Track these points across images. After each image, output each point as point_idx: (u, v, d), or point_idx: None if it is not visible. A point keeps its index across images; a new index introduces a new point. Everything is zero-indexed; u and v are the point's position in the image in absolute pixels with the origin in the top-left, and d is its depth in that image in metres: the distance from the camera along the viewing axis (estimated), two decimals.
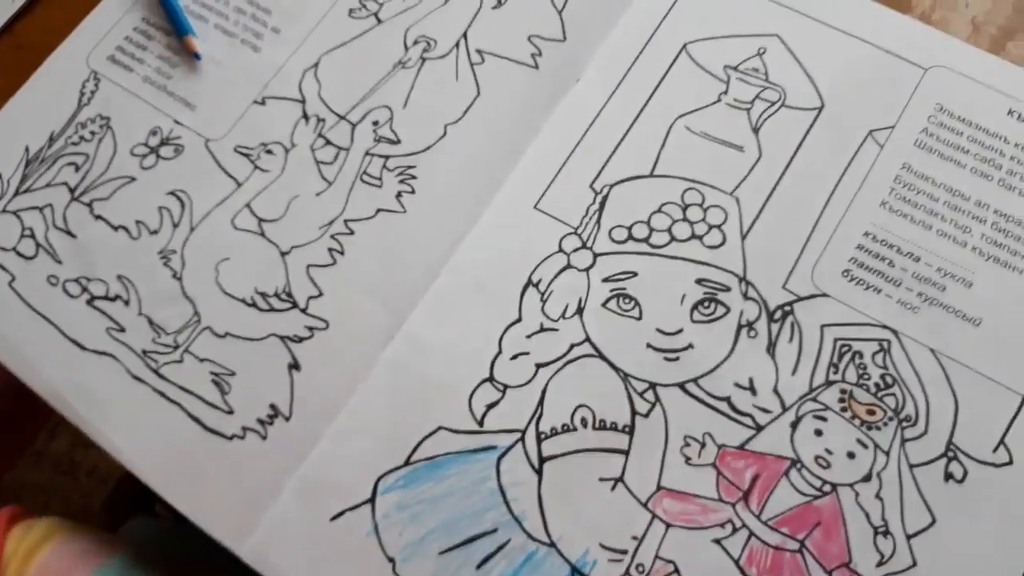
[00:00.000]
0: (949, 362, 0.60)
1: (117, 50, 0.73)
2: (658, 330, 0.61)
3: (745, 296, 0.62)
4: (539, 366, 0.61)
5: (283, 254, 0.65)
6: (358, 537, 0.58)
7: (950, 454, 0.58)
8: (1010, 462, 0.58)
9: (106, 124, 0.70)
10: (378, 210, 0.66)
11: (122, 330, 0.63)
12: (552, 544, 0.57)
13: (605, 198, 0.65)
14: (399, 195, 0.66)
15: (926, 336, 0.60)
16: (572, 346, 0.62)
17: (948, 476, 0.58)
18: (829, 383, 0.60)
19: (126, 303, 0.64)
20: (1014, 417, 0.59)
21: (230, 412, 0.61)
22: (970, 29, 0.70)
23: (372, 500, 0.58)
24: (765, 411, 0.59)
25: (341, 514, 0.58)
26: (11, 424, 0.80)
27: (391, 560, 0.57)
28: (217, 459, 0.60)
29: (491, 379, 0.61)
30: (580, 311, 0.62)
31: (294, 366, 0.62)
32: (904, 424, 0.58)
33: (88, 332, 0.64)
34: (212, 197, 0.67)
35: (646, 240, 0.64)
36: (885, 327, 0.61)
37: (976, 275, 0.62)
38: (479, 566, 0.57)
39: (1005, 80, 0.67)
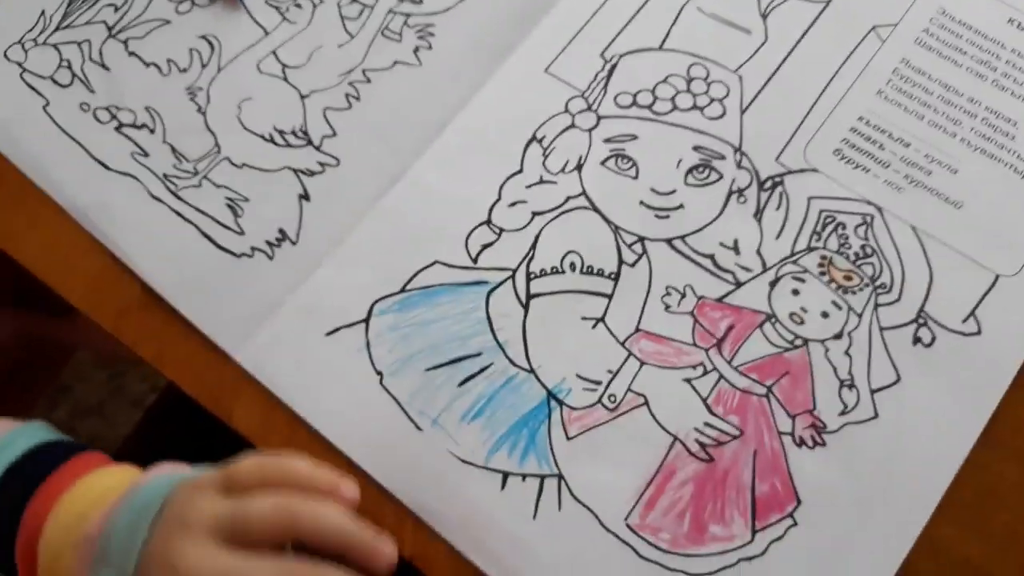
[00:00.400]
0: (928, 239, 0.62)
1: None
2: (652, 189, 0.64)
3: (739, 165, 0.65)
4: (535, 214, 0.64)
5: (303, 97, 0.68)
6: (350, 352, 0.61)
7: (920, 321, 0.61)
8: (978, 332, 0.60)
9: None
10: (395, 62, 0.69)
11: (146, 155, 0.67)
12: (531, 371, 0.60)
13: (614, 66, 0.68)
14: (416, 49, 0.69)
15: (908, 214, 0.63)
16: (568, 198, 0.64)
17: (916, 340, 0.60)
18: (811, 249, 0.62)
19: (152, 131, 0.68)
20: (986, 293, 0.61)
21: (241, 233, 0.64)
22: None
23: (367, 320, 0.62)
24: (746, 269, 0.62)
25: (336, 330, 0.61)
26: (23, 376, 0.81)
27: (379, 373, 0.60)
28: (225, 274, 0.63)
29: (488, 222, 0.64)
30: (579, 167, 0.65)
31: (304, 197, 0.65)
32: (879, 291, 0.61)
33: (114, 155, 0.67)
34: (241, 43, 0.70)
35: (649, 107, 0.66)
36: (870, 203, 0.64)
37: (962, 163, 0.65)
38: (461, 383, 0.60)
39: None
